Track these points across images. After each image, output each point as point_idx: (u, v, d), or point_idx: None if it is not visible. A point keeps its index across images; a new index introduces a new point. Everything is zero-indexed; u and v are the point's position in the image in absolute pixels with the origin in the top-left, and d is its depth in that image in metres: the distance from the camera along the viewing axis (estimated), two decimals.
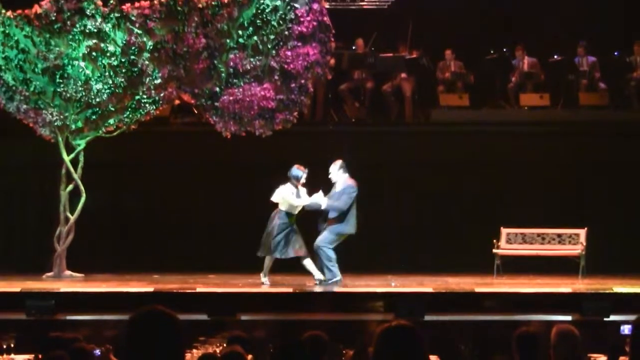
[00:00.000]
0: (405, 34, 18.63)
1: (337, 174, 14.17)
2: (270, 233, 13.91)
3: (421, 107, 18.69)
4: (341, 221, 14.10)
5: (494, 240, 15.90)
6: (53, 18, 14.80)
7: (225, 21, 14.77)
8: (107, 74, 14.88)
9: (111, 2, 14.93)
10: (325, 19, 14.81)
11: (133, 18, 14.87)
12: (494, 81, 18.79)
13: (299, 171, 13.96)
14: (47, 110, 14.95)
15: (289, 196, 13.87)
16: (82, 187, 15.27)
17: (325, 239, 14.05)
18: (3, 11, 14.93)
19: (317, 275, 13.91)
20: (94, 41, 14.84)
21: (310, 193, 14.03)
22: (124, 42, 14.88)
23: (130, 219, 17.63)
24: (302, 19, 14.65)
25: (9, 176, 17.86)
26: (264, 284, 13.97)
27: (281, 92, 14.76)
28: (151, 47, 14.88)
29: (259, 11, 14.69)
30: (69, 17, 14.82)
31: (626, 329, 11.22)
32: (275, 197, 13.96)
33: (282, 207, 13.93)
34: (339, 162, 14.22)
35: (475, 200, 17.59)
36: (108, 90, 14.90)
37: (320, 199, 13.97)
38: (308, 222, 14.31)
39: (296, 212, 14.03)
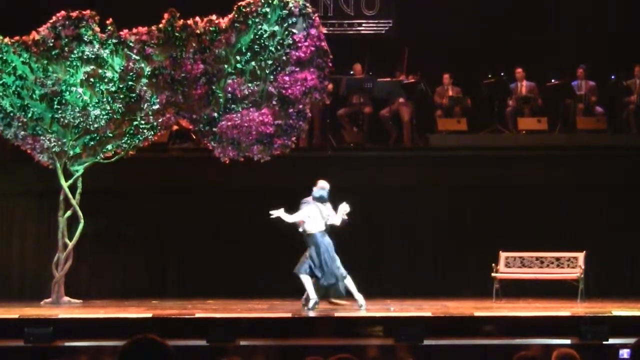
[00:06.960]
0: (402, 59, 18.69)
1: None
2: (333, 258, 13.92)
3: (419, 131, 18.68)
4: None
5: (493, 264, 15.88)
6: (51, 44, 14.84)
7: (223, 47, 14.80)
8: (105, 100, 14.90)
9: (109, 28, 14.97)
10: (323, 44, 14.83)
11: (131, 44, 14.90)
12: (491, 105, 18.79)
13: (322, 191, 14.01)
14: (45, 137, 14.96)
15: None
16: (80, 213, 15.26)
17: None
18: (0, 38, 14.96)
19: (361, 299, 13.95)
20: (92, 67, 14.87)
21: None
22: (122, 68, 14.90)
23: (128, 244, 17.60)
24: (300, 45, 14.68)
25: (7, 202, 17.85)
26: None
27: (279, 118, 14.77)
28: (149, 73, 14.89)
29: (257, 37, 14.72)
30: (66, 44, 14.86)
31: (625, 353, 11.21)
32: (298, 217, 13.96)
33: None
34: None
35: (473, 224, 17.59)
36: (106, 116, 14.92)
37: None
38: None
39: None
